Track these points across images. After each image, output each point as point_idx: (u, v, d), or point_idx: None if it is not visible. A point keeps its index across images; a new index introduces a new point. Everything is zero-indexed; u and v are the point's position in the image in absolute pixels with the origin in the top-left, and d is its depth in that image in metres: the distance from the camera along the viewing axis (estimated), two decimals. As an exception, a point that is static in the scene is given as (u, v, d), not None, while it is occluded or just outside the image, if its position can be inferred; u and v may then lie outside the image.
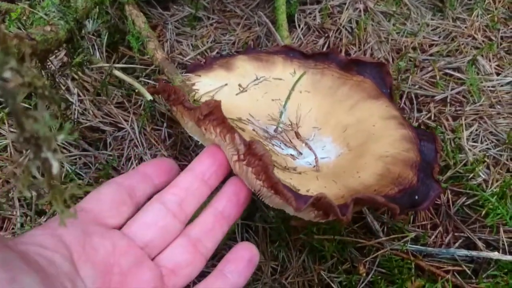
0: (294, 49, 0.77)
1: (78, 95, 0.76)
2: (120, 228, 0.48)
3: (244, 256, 0.52)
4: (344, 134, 0.68)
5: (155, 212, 0.49)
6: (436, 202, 0.75)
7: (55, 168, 0.24)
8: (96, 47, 0.80)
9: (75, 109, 0.74)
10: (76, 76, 0.75)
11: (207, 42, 0.93)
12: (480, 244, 0.71)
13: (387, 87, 0.72)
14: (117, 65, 0.58)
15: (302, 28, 0.96)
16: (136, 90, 0.71)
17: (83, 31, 0.79)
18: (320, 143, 0.69)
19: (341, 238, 0.70)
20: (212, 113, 0.51)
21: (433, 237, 0.72)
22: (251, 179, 0.52)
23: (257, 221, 0.71)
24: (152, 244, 0.48)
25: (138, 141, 0.74)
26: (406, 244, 0.69)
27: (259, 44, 0.94)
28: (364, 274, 0.68)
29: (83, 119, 0.75)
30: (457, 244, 0.71)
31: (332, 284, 0.67)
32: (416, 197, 0.57)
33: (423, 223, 0.74)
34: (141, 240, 0.47)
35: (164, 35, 0.92)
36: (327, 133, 0.69)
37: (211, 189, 0.54)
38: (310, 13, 0.98)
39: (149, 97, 0.58)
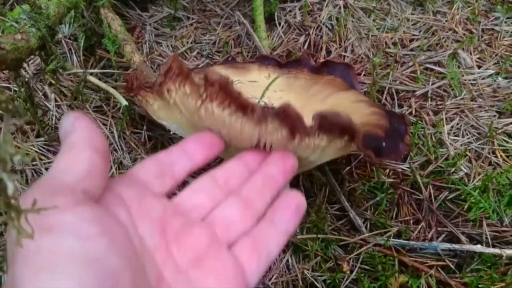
0: (269, 57, 0.80)
1: (56, 101, 0.75)
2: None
3: (291, 204, 0.51)
4: None
5: (202, 181, 0.49)
6: (418, 197, 0.75)
7: (11, 189, 0.23)
8: (73, 51, 0.79)
9: (52, 115, 0.73)
10: (53, 81, 0.74)
11: (187, 42, 0.93)
12: (463, 238, 0.71)
13: (357, 86, 0.74)
14: (91, 71, 0.58)
15: (282, 27, 0.96)
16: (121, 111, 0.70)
17: (59, 36, 0.79)
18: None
19: (325, 236, 0.70)
20: (171, 68, 0.49)
21: (416, 232, 0.72)
22: (218, 116, 0.50)
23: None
24: (201, 206, 0.47)
25: (117, 145, 0.73)
26: (389, 239, 0.69)
27: (240, 43, 0.94)
28: (348, 272, 0.68)
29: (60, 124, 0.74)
30: (440, 239, 0.71)
31: (316, 283, 0.67)
32: (383, 143, 0.57)
33: (406, 218, 0.74)
34: (189, 204, 0.47)
35: (142, 37, 0.91)
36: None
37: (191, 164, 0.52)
38: (290, 11, 0.98)
39: (124, 102, 0.57)
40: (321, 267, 0.69)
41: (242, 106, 0.47)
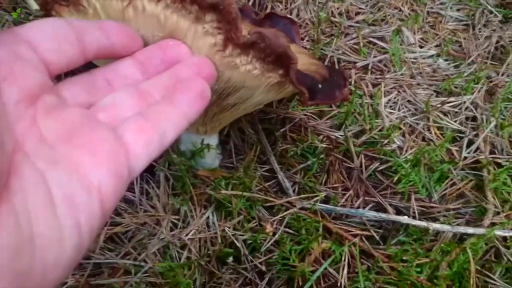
0: None
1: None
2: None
3: (196, 88, 0.44)
4: None
5: (89, 75, 0.41)
6: (349, 165, 0.73)
7: None
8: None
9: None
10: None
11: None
12: (390, 209, 0.69)
13: (298, 43, 0.70)
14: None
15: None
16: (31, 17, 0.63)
17: None
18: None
19: (250, 195, 0.66)
20: None
21: (343, 200, 0.70)
22: (150, 14, 0.44)
23: (160, 166, 0.65)
24: (80, 95, 0.39)
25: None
26: (315, 204, 0.66)
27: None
28: (271, 234, 0.65)
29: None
30: (367, 208, 0.69)
31: (236, 242, 0.63)
32: (319, 85, 0.53)
33: (335, 185, 0.71)
34: (69, 91, 0.38)
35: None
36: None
37: (112, 46, 0.43)
38: (237, -34, 0.93)
39: (34, 6, 0.50)
40: (243, 226, 0.65)
41: None
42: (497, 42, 0.91)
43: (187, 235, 0.63)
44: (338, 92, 0.58)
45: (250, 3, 0.89)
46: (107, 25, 0.41)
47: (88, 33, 0.39)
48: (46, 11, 0.49)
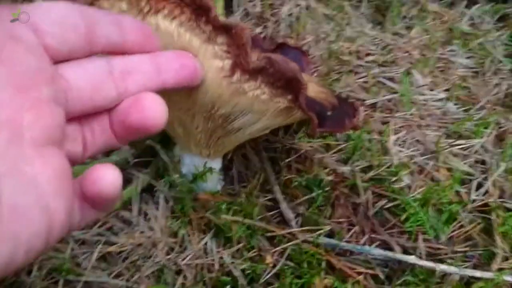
0: None
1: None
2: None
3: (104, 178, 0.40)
4: None
5: (94, 62, 0.38)
6: (355, 201, 0.70)
7: None
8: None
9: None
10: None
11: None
12: (397, 248, 0.66)
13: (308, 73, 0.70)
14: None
15: (240, 14, 0.91)
16: None
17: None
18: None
19: (251, 223, 0.63)
20: None
21: (348, 236, 0.67)
22: (164, 32, 0.43)
23: (161, 186, 0.63)
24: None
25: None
26: (319, 237, 0.64)
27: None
28: (271, 265, 0.62)
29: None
30: (373, 246, 0.66)
31: (234, 271, 0.60)
32: (328, 113, 0.52)
33: (340, 220, 0.68)
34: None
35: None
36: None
37: (163, 84, 0.41)
38: (250, 1, 0.94)
39: None
40: (242, 255, 0.62)
41: (199, 9, 0.41)
42: (507, 89, 0.91)
43: (183, 260, 0.60)
44: (348, 120, 0.56)
45: (262, 36, 0.89)
46: (125, 21, 0.39)
47: (101, 26, 0.37)
48: None
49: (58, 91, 0.34)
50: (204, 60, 0.44)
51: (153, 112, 0.37)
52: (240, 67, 0.44)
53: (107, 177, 0.34)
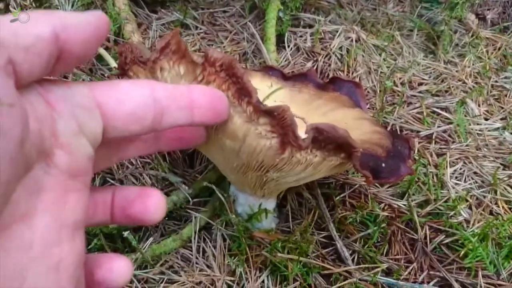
0: (274, 68, 0.75)
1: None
2: None
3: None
4: None
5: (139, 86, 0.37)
6: (412, 237, 0.70)
7: None
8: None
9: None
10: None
11: (191, 49, 0.89)
12: (456, 285, 0.65)
13: (364, 106, 0.70)
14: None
15: (291, 49, 0.93)
16: (107, 75, 0.66)
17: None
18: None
19: (307, 261, 0.64)
20: (169, 44, 0.43)
21: (406, 273, 0.66)
22: None
23: (218, 225, 0.65)
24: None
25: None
26: (376, 276, 0.63)
27: (245, 60, 0.91)
28: (328, 303, 0.62)
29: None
30: (432, 283, 0.65)
31: (291, 310, 0.60)
32: (383, 164, 0.51)
33: (397, 257, 0.68)
34: None
35: (146, 34, 0.87)
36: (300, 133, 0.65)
37: (190, 123, 0.40)
38: (301, 36, 0.95)
39: (114, 64, 0.53)
40: (299, 293, 0.62)
41: (241, 90, 0.42)
42: None
43: (241, 298, 0.61)
44: (403, 167, 0.56)
45: (313, 70, 0.90)
46: (197, 102, 0.39)
47: (169, 114, 0.37)
48: (123, 70, 0.51)
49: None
50: (249, 137, 0.46)
51: (154, 211, 0.39)
52: (289, 144, 0.45)
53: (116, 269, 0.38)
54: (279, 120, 0.43)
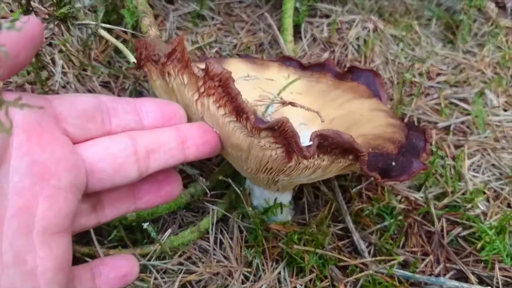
0: (292, 59, 0.74)
1: (63, 68, 0.71)
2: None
3: (122, 268, 0.47)
4: (330, 125, 0.63)
5: (118, 142, 0.42)
6: (429, 229, 0.70)
7: None
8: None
9: (56, 81, 0.69)
10: (63, 48, 0.71)
11: (208, 40, 0.89)
12: (473, 278, 0.65)
13: (382, 95, 0.69)
14: (104, 25, 0.54)
15: (308, 39, 0.92)
16: (124, 68, 0.66)
17: (77, 5, 0.75)
18: (305, 139, 0.64)
19: (323, 253, 0.64)
20: (175, 50, 0.45)
21: (422, 265, 0.66)
22: (213, 115, 0.46)
23: (234, 218, 0.65)
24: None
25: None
26: (392, 268, 0.63)
27: (262, 51, 0.91)
28: (344, 295, 0.62)
29: (63, 92, 0.70)
30: (448, 276, 0.66)
31: (308, 301, 0.61)
32: (393, 163, 0.51)
33: (413, 249, 0.68)
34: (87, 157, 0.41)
35: (163, 26, 0.88)
36: (314, 128, 0.65)
37: (184, 159, 0.46)
38: (317, 26, 0.95)
39: (132, 59, 0.53)
40: (315, 284, 0.63)
41: (237, 109, 0.43)
42: None
43: (258, 289, 0.62)
44: (416, 163, 0.55)
45: (329, 61, 0.90)
46: (145, 105, 0.47)
47: (118, 117, 0.44)
48: (139, 65, 0.52)
49: (78, 177, 0.38)
50: (253, 149, 0.47)
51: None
52: (294, 153, 0.45)
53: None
54: (281, 133, 0.44)
